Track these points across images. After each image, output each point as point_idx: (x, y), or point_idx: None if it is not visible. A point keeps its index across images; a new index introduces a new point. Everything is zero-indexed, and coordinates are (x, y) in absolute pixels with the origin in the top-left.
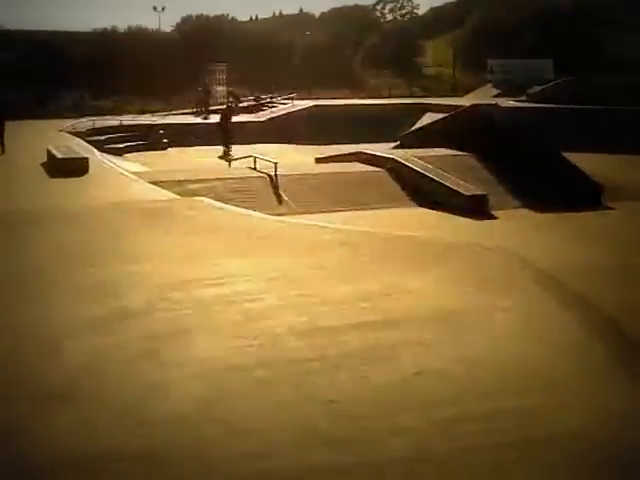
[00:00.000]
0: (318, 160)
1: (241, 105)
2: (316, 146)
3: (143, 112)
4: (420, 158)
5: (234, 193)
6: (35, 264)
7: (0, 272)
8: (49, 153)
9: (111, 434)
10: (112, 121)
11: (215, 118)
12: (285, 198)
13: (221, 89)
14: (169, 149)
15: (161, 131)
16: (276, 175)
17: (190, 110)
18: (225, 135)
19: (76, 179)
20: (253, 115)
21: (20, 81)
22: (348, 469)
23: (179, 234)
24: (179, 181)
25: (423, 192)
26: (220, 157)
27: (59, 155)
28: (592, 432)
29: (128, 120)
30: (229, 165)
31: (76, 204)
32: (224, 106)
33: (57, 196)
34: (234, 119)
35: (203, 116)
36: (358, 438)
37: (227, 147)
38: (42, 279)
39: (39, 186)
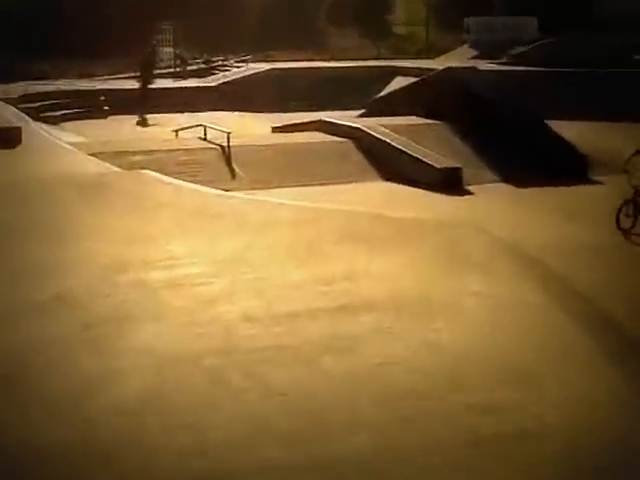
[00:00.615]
0: (275, 129)
1: (190, 68)
2: (274, 114)
3: (82, 76)
4: (388, 127)
5: (182, 166)
6: None
7: None
8: None
9: (47, 428)
10: (48, 86)
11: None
12: (238, 172)
13: (168, 51)
14: (110, 117)
15: (102, 97)
16: (229, 146)
17: (134, 74)
18: (142, 100)
19: (8, 151)
20: (203, 80)
21: None
22: (304, 468)
23: (122, 211)
24: (121, 152)
25: (391, 165)
26: (137, 123)
27: None
28: (570, 427)
29: (66, 85)
30: (176, 135)
31: (8, 178)
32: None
33: None
34: (184, 84)
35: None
36: (315, 434)
37: (142, 113)
38: None
39: None
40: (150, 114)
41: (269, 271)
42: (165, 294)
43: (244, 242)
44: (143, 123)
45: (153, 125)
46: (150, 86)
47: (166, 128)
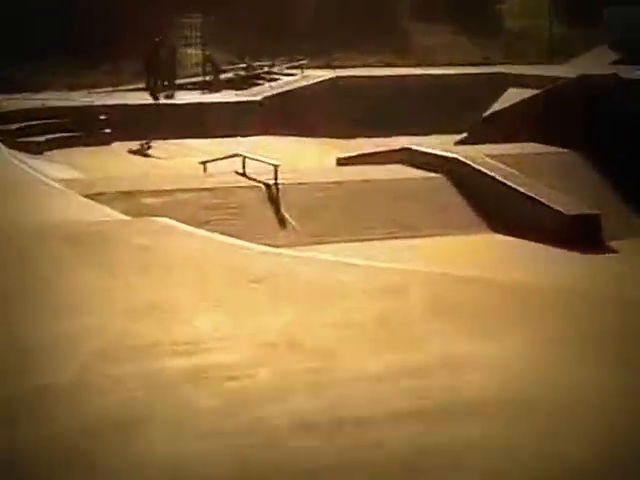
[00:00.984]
0: (342, 161)
1: (224, 77)
2: (339, 139)
3: (75, 88)
4: (497, 158)
5: (212, 211)
6: None
7: None
8: None
9: None
10: (28, 101)
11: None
12: (290, 220)
13: (194, 53)
14: (114, 144)
15: (103, 117)
16: (277, 184)
17: (145, 85)
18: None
19: None
20: (242, 92)
21: None
22: None
23: (128, 274)
24: (128, 193)
25: (501, 210)
26: (132, 151)
27: None
28: None
29: (52, 100)
30: (205, 169)
31: None
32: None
33: None
34: (216, 98)
35: (165, 93)
36: None
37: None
38: None
39: None
40: (167, 139)
41: (334, 358)
42: (187, 390)
43: (297, 318)
44: (140, 151)
45: (167, 158)
46: (165, 100)
47: (190, 159)
